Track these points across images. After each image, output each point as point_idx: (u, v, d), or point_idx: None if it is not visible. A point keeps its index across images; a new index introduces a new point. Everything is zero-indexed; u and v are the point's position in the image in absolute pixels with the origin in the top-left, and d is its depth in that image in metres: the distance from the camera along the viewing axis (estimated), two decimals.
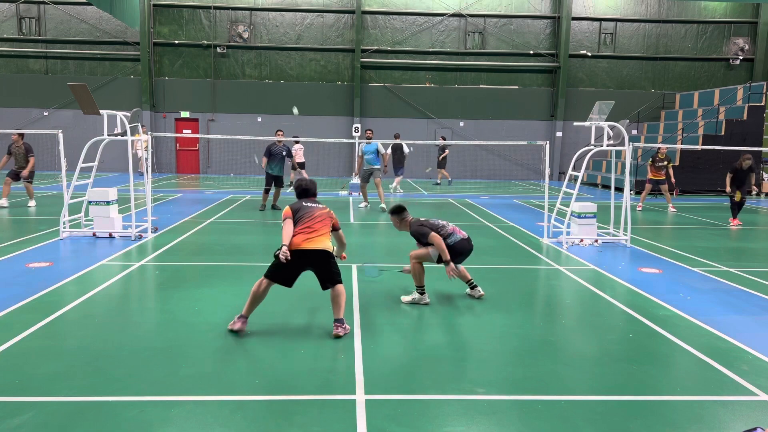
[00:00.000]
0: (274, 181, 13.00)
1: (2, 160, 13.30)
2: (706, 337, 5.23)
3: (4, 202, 12.71)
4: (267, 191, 13.13)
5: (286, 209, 5.25)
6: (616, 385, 4.20)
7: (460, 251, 6.15)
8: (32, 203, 13.05)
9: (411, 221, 6.27)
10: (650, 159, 15.00)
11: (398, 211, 6.31)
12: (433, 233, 5.98)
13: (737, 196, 12.28)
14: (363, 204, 14.00)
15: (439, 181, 21.55)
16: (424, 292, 6.11)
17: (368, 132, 13.98)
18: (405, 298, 6.17)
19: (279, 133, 13.08)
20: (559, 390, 4.10)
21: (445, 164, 20.89)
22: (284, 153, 12.97)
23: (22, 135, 13.18)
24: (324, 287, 5.20)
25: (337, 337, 4.99)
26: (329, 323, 5.38)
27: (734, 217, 12.42)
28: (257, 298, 5.08)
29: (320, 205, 5.40)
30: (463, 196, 17.38)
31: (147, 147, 10.69)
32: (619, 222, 10.02)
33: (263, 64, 24.27)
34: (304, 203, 5.35)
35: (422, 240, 6.08)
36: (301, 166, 18.56)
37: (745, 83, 21.73)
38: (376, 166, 13.33)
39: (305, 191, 5.53)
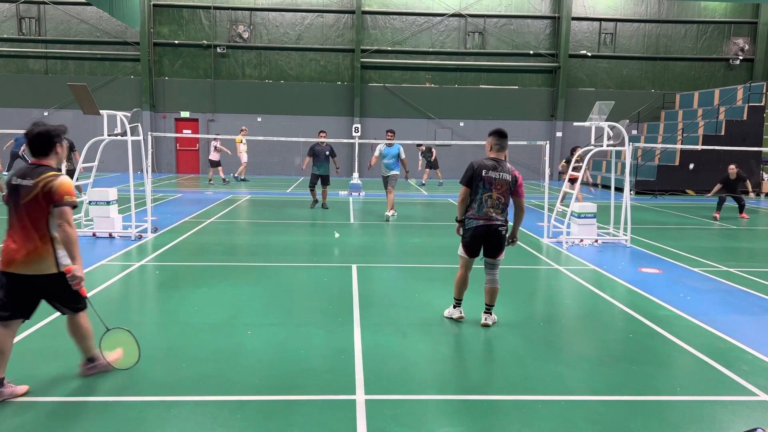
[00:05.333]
0: (321, 180, 13.33)
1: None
2: (706, 337, 5.23)
3: None
4: (312, 188, 13.63)
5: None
6: (616, 385, 4.20)
7: (471, 238, 5.35)
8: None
9: (490, 155, 5.37)
10: (565, 161, 13.56)
11: (504, 135, 5.37)
12: (463, 188, 5.31)
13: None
14: (391, 212, 12.18)
15: (424, 182, 21.37)
16: (458, 306, 5.57)
17: (389, 133, 12.29)
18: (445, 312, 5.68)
19: (322, 134, 13.51)
20: (559, 390, 4.09)
21: (437, 164, 20.88)
22: (327, 153, 13.26)
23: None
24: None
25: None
26: (330, 323, 5.39)
27: (718, 210, 13.32)
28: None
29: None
30: None
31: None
32: (619, 222, 10.02)
33: (263, 64, 24.26)
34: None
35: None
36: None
37: (745, 83, 21.72)
38: (395, 172, 12.06)
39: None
